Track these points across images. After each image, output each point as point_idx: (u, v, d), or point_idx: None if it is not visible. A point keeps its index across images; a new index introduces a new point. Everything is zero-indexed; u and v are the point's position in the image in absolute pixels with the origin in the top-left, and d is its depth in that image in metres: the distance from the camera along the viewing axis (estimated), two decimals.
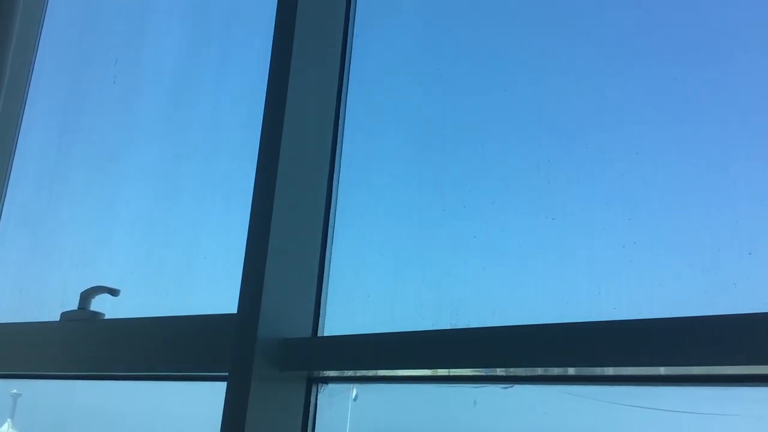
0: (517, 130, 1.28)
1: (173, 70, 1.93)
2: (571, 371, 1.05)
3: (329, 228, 1.41)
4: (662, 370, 0.97)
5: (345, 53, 1.51)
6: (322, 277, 1.38)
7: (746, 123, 1.06)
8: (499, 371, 1.11)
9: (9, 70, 1.95)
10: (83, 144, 2.02)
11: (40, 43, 2.19)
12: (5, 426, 1.87)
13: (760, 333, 0.86)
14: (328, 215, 1.41)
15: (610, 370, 1.01)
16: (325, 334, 1.36)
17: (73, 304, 1.65)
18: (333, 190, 1.43)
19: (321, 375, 1.31)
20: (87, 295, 1.65)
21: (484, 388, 1.15)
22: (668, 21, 1.17)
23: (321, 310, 1.37)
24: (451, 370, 1.15)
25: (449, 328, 1.20)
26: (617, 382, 1.03)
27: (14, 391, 1.89)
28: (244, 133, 1.62)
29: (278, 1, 1.50)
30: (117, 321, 1.60)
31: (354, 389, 1.30)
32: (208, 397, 1.43)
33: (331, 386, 1.32)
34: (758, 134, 1.05)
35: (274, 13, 1.50)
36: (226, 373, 1.29)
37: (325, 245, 1.40)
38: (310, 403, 1.31)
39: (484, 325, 1.13)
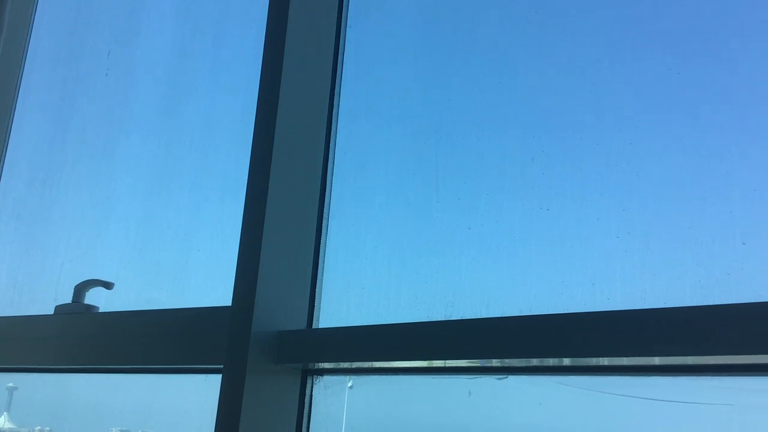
0: (512, 122, 1.28)
1: (166, 62, 1.92)
2: (566, 362, 1.05)
3: (323, 220, 1.41)
4: (657, 361, 0.97)
5: (339, 45, 1.50)
6: (317, 270, 1.38)
7: (740, 113, 1.06)
8: (494, 362, 1.11)
9: (0, 61, 1.94)
10: (76, 137, 2.01)
11: (31, 34, 2.17)
12: (1, 419, 1.87)
13: (753, 323, 0.86)
14: (323, 208, 1.41)
15: (604, 361, 1.02)
16: (320, 327, 1.36)
17: (67, 298, 1.65)
18: (327, 182, 1.43)
19: (316, 367, 1.31)
20: (81, 288, 1.64)
21: (479, 379, 1.15)
22: (661, 12, 1.17)
23: (316, 302, 1.37)
24: (447, 361, 1.15)
25: (444, 319, 1.20)
26: (612, 372, 1.03)
27: (10, 384, 1.89)
28: (238, 126, 1.62)
29: None
30: (111, 314, 1.60)
31: (350, 381, 1.30)
32: (203, 390, 1.43)
33: (327, 378, 1.32)
34: (752, 125, 1.05)
35: (267, 5, 1.49)
36: (221, 366, 1.29)
37: (320, 238, 1.40)
38: (305, 395, 1.31)
39: (479, 317, 1.13)
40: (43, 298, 1.82)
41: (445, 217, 1.29)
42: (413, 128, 1.40)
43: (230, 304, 1.33)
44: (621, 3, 1.22)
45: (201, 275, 1.62)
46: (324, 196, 1.42)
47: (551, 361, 1.06)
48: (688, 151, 1.09)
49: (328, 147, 1.44)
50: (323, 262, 1.39)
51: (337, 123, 1.46)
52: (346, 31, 1.52)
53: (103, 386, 1.70)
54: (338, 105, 1.47)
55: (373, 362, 1.23)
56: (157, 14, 1.99)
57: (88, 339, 1.57)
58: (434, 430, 1.24)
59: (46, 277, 1.90)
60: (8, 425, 1.86)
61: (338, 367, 1.29)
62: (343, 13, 1.52)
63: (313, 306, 1.36)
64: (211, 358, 1.35)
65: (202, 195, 1.71)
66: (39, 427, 1.84)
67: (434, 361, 1.16)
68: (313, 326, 1.35)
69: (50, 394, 1.81)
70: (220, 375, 1.29)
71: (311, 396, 1.32)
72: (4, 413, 1.88)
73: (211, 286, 1.57)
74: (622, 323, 0.96)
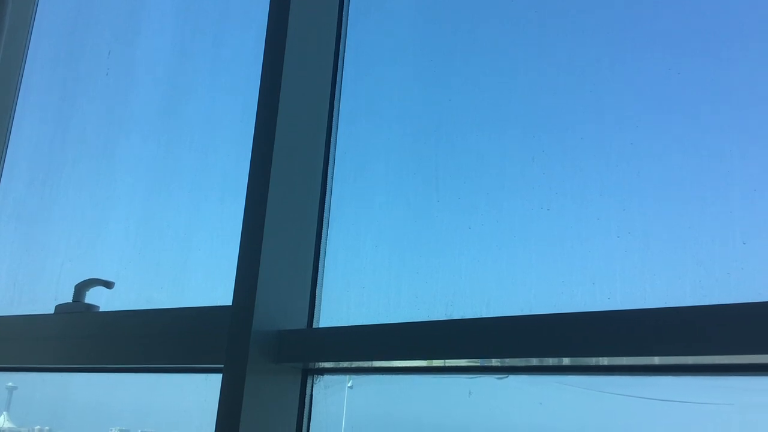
0: (512, 122, 1.28)
1: (166, 62, 1.92)
2: (566, 361, 1.05)
3: (324, 220, 1.41)
4: (657, 360, 0.97)
5: (339, 45, 1.50)
6: (317, 269, 1.38)
7: (740, 113, 1.06)
8: (494, 362, 1.11)
9: (1, 62, 1.94)
10: (77, 137, 2.01)
11: (32, 34, 2.17)
12: (1, 419, 1.87)
13: (753, 323, 0.86)
14: (323, 207, 1.41)
15: (604, 360, 1.02)
16: (320, 326, 1.36)
17: (67, 297, 1.65)
18: (327, 182, 1.43)
19: (316, 366, 1.31)
20: (81, 288, 1.64)
21: (479, 379, 1.15)
22: (661, 12, 1.17)
23: (316, 301, 1.37)
24: (447, 360, 1.15)
25: (444, 319, 1.20)
26: (612, 372, 1.03)
27: (10, 384, 1.89)
28: (238, 126, 1.62)
29: None
30: (112, 313, 1.60)
31: (350, 380, 1.31)
32: (203, 389, 1.43)
33: (327, 378, 1.32)
34: (752, 124, 1.05)
35: (268, 4, 1.49)
36: (222, 365, 1.29)
37: (320, 237, 1.40)
38: (305, 394, 1.31)
39: (479, 316, 1.13)
40: (43, 297, 1.82)
41: (446, 216, 1.29)
42: (413, 128, 1.40)
43: (230, 304, 1.33)
44: (621, 3, 1.22)
45: (201, 275, 1.62)
46: (324, 195, 1.42)
47: (551, 361, 1.06)
48: (688, 151, 1.09)
49: (329, 147, 1.45)
50: (323, 262, 1.39)
51: (337, 123, 1.46)
52: (346, 30, 1.52)
53: (103, 386, 1.70)
54: (338, 105, 1.47)
55: (373, 362, 1.23)
56: (157, 14, 1.99)
57: (89, 338, 1.57)
58: (434, 429, 1.24)
59: (47, 277, 1.90)
60: (8, 425, 1.86)
61: (338, 366, 1.29)
62: (343, 13, 1.52)
63: (314, 305, 1.36)
64: (211, 357, 1.35)
65: (202, 195, 1.71)
66: (38, 427, 1.84)
67: (434, 361, 1.16)
68: (314, 326, 1.35)
69: (50, 393, 1.81)
70: (221, 374, 1.29)
71: (311, 395, 1.32)
72: (4, 413, 1.88)
73: (212, 285, 1.57)
74: (622, 323, 0.96)
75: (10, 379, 1.88)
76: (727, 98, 1.08)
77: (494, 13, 1.37)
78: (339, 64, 1.49)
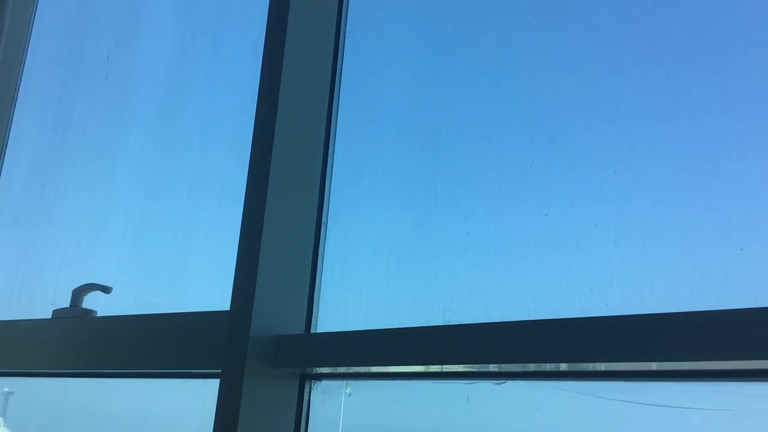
0: (511, 127, 1.28)
1: (165, 66, 1.92)
2: (564, 367, 1.05)
3: (322, 225, 1.41)
4: (654, 366, 0.97)
5: (338, 50, 1.50)
6: (315, 274, 1.38)
7: (738, 119, 1.06)
8: (492, 367, 1.11)
9: (0, 62, 1.94)
10: (75, 141, 2.01)
11: (30, 39, 2.17)
12: None
13: (751, 328, 0.86)
14: (321, 212, 1.41)
15: (602, 366, 1.02)
16: (318, 331, 1.36)
17: (64, 302, 1.65)
18: (326, 186, 1.43)
19: (314, 371, 1.31)
20: (79, 293, 1.64)
21: (476, 385, 1.15)
22: (660, 18, 1.17)
23: (314, 306, 1.37)
24: (444, 366, 1.15)
25: (442, 324, 1.20)
26: (609, 377, 1.03)
27: (6, 389, 1.89)
28: (238, 128, 1.62)
29: None
30: (109, 318, 1.60)
31: (347, 386, 1.30)
32: (201, 395, 1.43)
33: (325, 383, 1.32)
34: (750, 129, 1.05)
35: (267, 9, 1.49)
36: (219, 370, 1.29)
37: (318, 242, 1.39)
38: (303, 399, 1.31)
39: (477, 322, 1.13)
40: (40, 301, 1.82)
41: (444, 221, 1.29)
42: (412, 132, 1.40)
43: (228, 309, 1.32)
44: (620, 8, 1.22)
45: (199, 279, 1.62)
46: (323, 200, 1.42)
47: (549, 367, 1.06)
48: (686, 156, 1.09)
49: (327, 151, 1.45)
50: (321, 267, 1.39)
51: (336, 127, 1.46)
52: (345, 35, 1.52)
53: (100, 391, 1.69)
54: (337, 109, 1.47)
55: (371, 367, 1.23)
56: (157, 14, 1.99)
57: (86, 343, 1.57)
58: None
59: (44, 281, 1.90)
60: (4, 430, 1.86)
61: (336, 371, 1.29)
62: (342, 16, 1.52)
63: (311, 310, 1.36)
64: (208, 362, 1.35)
65: (200, 199, 1.70)
66: None
67: (432, 366, 1.16)
68: (311, 331, 1.35)
69: (47, 398, 1.81)
70: (218, 380, 1.29)
71: (309, 401, 1.32)
72: (0, 418, 1.87)
73: (209, 290, 1.57)
74: (619, 328, 0.96)
75: (7, 384, 1.88)
76: (725, 103, 1.08)
77: (493, 19, 1.37)
78: (338, 67, 1.49)
